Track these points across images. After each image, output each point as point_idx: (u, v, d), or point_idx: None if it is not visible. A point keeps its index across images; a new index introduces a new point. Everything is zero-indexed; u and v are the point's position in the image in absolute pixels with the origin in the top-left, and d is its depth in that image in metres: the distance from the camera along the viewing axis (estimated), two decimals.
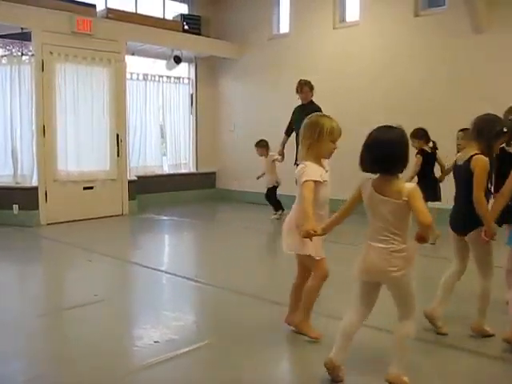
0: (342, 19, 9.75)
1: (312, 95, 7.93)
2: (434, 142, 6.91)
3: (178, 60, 10.43)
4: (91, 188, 8.82)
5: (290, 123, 8.33)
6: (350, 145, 9.12)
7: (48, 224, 8.18)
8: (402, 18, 8.77)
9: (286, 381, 3.43)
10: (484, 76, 7.97)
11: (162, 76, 10.75)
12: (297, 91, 7.97)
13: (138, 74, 10.30)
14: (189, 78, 11.34)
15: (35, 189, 8.19)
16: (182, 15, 10.52)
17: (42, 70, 8.16)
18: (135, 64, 10.21)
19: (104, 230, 7.95)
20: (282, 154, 8.61)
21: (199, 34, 10.64)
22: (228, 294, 4.90)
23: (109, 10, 9.10)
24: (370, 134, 3.07)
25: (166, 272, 5.66)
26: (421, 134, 6.81)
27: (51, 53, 8.25)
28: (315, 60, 9.88)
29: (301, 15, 10.08)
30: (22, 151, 8.39)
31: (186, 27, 10.39)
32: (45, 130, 8.21)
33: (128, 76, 9.80)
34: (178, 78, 11.10)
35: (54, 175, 8.38)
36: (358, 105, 9.20)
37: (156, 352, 3.52)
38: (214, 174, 11.78)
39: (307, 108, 7.52)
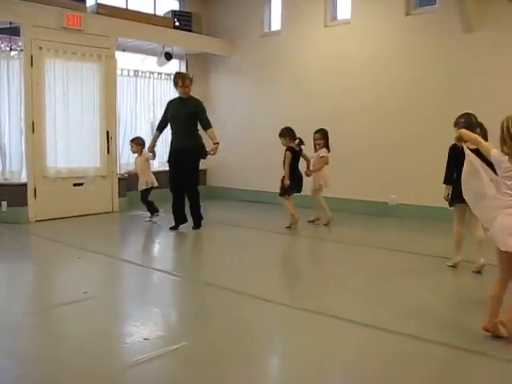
0: (334, 17, 9.74)
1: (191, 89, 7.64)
2: (300, 140, 7.81)
3: (168, 57, 10.38)
4: (81, 185, 8.77)
5: (163, 118, 7.92)
6: (347, 144, 9.21)
7: (37, 221, 8.12)
8: (393, 17, 8.78)
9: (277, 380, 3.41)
10: (474, 75, 7.99)
11: (152, 72, 10.69)
12: (176, 84, 7.63)
13: (128, 71, 10.24)
14: None
15: (24, 185, 8.13)
16: (173, 12, 10.47)
17: (31, 66, 8.09)
18: (126, 60, 10.16)
19: (93, 227, 7.90)
20: (152, 151, 8.11)
21: (190, 30, 10.58)
22: (218, 291, 4.88)
23: (99, 6, 9.03)
24: None
25: (156, 269, 5.64)
26: (286, 133, 7.83)
27: (40, 48, 8.18)
28: (307, 58, 9.87)
29: (292, 13, 10.06)
30: (11, 147, 8.33)
31: (176, 24, 10.34)
32: (34, 127, 8.15)
33: (118, 72, 9.75)
34: (169, 75, 11.02)
35: (43, 172, 8.32)
36: (352, 104, 9.20)
37: (146, 349, 3.49)
38: (204, 171, 11.71)
39: (187, 102, 7.55)
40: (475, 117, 5.28)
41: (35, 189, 8.20)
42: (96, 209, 8.74)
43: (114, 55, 9.19)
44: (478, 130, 5.05)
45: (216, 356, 3.45)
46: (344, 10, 9.61)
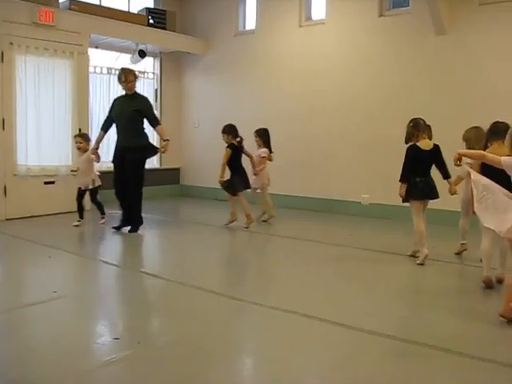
0: (308, 17, 9.77)
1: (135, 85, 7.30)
2: (240, 137, 7.88)
3: (142, 54, 10.31)
4: (52, 183, 8.67)
5: (108, 117, 7.55)
6: (320, 144, 9.26)
7: (7, 219, 8.02)
8: (367, 18, 8.84)
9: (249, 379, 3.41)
10: (446, 76, 8.10)
11: None
12: (120, 80, 7.25)
13: (101, 68, 10.14)
14: (153, 73, 11.23)
15: None
16: (148, 9, 10.39)
17: (1, 61, 7.97)
18: (99, 57, 10.07)
19: (64, 226, 7.79)
20: (95, 152, 7.55)
21: (164, 28, 10.52)
22: (189, 289, 4.85)
23: (72, 2, 8.92)
24: None
25: (126, 268, 5.59)
26: (230, 130, 7.88)
27: (11, 43, 8.06)
28: (281, 58, 9.89)
29: (267, 12, 10.07)
30: None
31: (151, 21, 10.27)
32: (4, 124, 8.04)
33: (91, 69, 9.65)
34: (143, 73, 10.96)
35: (14, 170, 8.20)
36: (326, 104, 9.24)
37: (116, 349, 3.46)
38: (177, 169, 11.69)
39: (133, 100, 7.25)
40: (423, 120, 5.81)
41: (5, 187, 8.08)
42: (67, 207, 8.60)
43: (86, 52, 9.10)
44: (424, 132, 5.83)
45: (192, 354, 3.43)
46: (319, 10, 9.65)
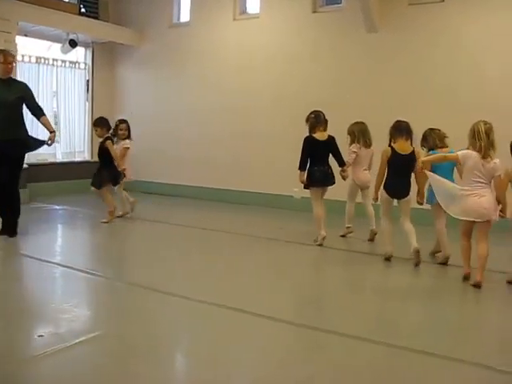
0: (243, 11, 9.77)
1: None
2: (112, 129, 7.89)
3: (73, 44, 10.02)
4: None
5: None
6: (253, 138, 9.27)
7: None
8: (301, 14, 8.94)
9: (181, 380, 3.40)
10: (377, 74, 8.28)
11: (56, 60, 10.30)
12: None
13: (30, 57, 9.81)
14: (85, 63, 10.96)
15: None
16: None
17: None
18: (29, 46, 9.74)
19: None
20: None
21: (97, 18, 10.29)
22: (119, 285, 4.80)
23: None
24: None
25: (55, 263, 5.45)
26: (102, 123, 7.76)
27: None
28: (216, 51, 9.85)
29: (201, 4, 10.01)
30: None
31: (82, 10, 10.03)
32: None
33: (19, 58, 9.33)
34: (74, 63, 10.70)
35: None
36: (260, 98, 9.28)
37: (40, 346, 3.39)
38: None
39: (13, 86, 6.47)
40: (323, 113, 6.48)
41: None
42: None
43: (14, 40, 8.76)
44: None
45: (117, 351, 3.39)
46: (253, 4, 9.67)
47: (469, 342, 3.76)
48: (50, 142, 6.73)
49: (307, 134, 6.41)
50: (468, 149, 4.90)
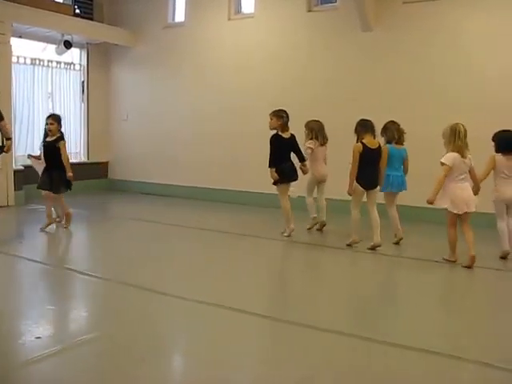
0: (238, 11, 9.77)
1: None
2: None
3: (68, 45, 10.01)
4: None
5: None
6: (245, 138, 9.27)
7: None
8: (296, 13, 8.94)
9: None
10: (372, 73, 8.30)
11: (51, 61, 10.29)
12: None
13: (25, 58, 9.79)
14: (80, 65, 10.95)
15: None
16: None
17: None
18: (24, 47, 9.72)
19: None
20: None
21: (91, 19, 10.27)
22: (116, 286, 4.79)
23: None
24: None
25: (52, 265, 5.45)
26: (59, 119, 7.05)
27: None
28: (211, 51, 9.84)
29: (196, 4, 10.01)
30: None
31: (77, 11, 10.00)
32: None
33: (14, 60, 9.32)
34: (69, 64, 10.69)
35: None
36: (255, 98, 9.27)
37: (37, 348, 3.37)
38: (106, 163, 11.47)
39: None
40: (287, 114, 6.79)
41: None
42: None
43: (9, 41, 8.75)
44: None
45: (113, 352, 3.39)
46: (248, 4, 9.67)
47: (447, 332, 3.78)
48: (6, 149, 6.65)
49: (275, 133, 6.77)
50: (446, 147, 5.53)
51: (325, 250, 6.48)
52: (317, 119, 7.20)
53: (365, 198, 6.27)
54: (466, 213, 5.48)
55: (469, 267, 5.42)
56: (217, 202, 9.47)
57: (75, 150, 10.96)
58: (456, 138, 5.41)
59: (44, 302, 4.42)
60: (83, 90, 10.94)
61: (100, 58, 11.15)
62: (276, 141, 6.71)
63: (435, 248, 6.11)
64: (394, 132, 6.32)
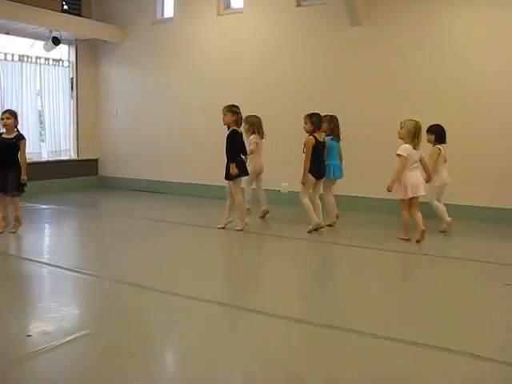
0: (227, 6, 9.74)
1: None
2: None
3: (56, 41, 9.93)
4: None
5: None
6: None
7: None
8: (285, 8, 8.93)
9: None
10: (361, 68, 8.31)
11: (39, 58, 10.21)
12: None
13: (12, 55, 9.72)
14: (69, 61, 10.88)
15: None
16: None
17: None
18: (11, 44, 9.65)
19: None
20: None
21: (80, 15, 10.21)
22: (107, 283, 4.77)
23: None
24: None
25: (44, 263, 5.41)
26: (16, 114, 6.59)
27: None
28: (201, 47, 9.82)
29: (185, 0, 9.95)
30: None
31: (65, 7, 9.95)
32: None
33: (2, 56, 9.28)
34: (58, 61, 10.62)
35: None
36: (244, 93, 9.23)
37: (28, 346, 3.35)
38: (96, 160, 11.42)
39: None
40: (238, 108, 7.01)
41: None
42: None
43: None
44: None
45: (110, 350, 3.38)
46: None
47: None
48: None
49: (234, 128, 6.91)
50: (403, 140, 6.31)
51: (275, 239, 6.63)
52: (256, 114, 7.62)
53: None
54: (415, 197, 6.30)
55: (420, 241, 6.26)
56: (208, 197, 9.44)
57: (65, 147, 10.91)
58: (417, 135, 6.24)
59: (34, 299, 4.40)
60: (72, 87, 10.88)
61: (89, 54, 11.08)
62: (235, 135, 6.92)
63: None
64: (338, 127, 7.10)
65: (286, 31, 8.94)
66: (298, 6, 8.85)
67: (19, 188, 6.56)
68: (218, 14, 9.67)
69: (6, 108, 9.28)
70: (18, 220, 6.72)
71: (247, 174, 7.09)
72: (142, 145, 10.53)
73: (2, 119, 6.46)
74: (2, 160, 6.44)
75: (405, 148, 6.24)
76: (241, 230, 6.92)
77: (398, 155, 6.21)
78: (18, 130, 6.61)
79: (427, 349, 3.35)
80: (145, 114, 10.54)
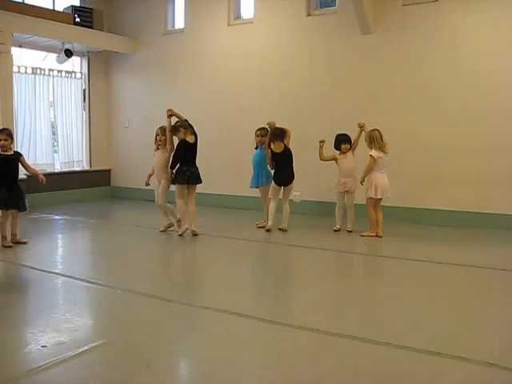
0: (237, 16, 9.79)
1: None
2: None
3: (69, 53, 10.03)
4: None
5: None
6: (243, 144, 9.24)
7: None
8: (295, 17, 8.96)
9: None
10: (372, 76, 8.31)
11: (52, 70, 10.31)
12: None
13: (26, 68, 9.82)
14: (81, 73, 10.98)
15: None
16: (73, 7, 10.08)
17: None
18: (24, 57, 9.74)
19: None
20: None
21: (91, 27, 10.29)
22: (121, 293, 4.78)
23: None
24: None
25: (58, 274, 5.43)
26: (11, 134, 6.66)
27: None
28: (211, 57, 9.87)
29: (196, 11, 10.03)
30: None
31: (77, 20, 10.01)
32: None
33: (15, 69, 9.35)
34: (70, 73, 10.71)
35: None
36: (255, 103, 9.28)
37: (43, 357, 3.36)
38: (108, 171, 11.48)
39: None
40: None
41: None
42: None
43: (9, 51, 8.77)
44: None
45: (121, 360, 3.38)
46: (247, 9, 9.68)
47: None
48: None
49: (183, 139, 7.27)
50: (371, 148, 6.96)
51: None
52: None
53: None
54: (381, 198, 7.01)
55: (380, 237, 7.03)
56: (219, 207, 9.44)
57: (77, 158, 10.98)
58: (374, 142, 6.92)
59: (49, 310, 4.41)
60: (84, 98, 10.96)
61: (101, 65, 11.18)
62: (180, 145, 7.28)
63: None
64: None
65: (296, 40, 8.97)
66: (309, 15, 8.88)
67: (24, 204, 6.67)
68: (229, 25, 9.72)
69: (19, 120, 9.39)
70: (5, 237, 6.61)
71: (183, 182, 7.20)
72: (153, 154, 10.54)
73: (0, 140, 6.47)
74: (8, 176, 6.50)
75: (375, 152, 6.95)
76: (181, 235, 7.18)
77: (370, 155, 6.96)
78: (11, 149, 6.66)
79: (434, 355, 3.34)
80: (156, 124, 10.51)
